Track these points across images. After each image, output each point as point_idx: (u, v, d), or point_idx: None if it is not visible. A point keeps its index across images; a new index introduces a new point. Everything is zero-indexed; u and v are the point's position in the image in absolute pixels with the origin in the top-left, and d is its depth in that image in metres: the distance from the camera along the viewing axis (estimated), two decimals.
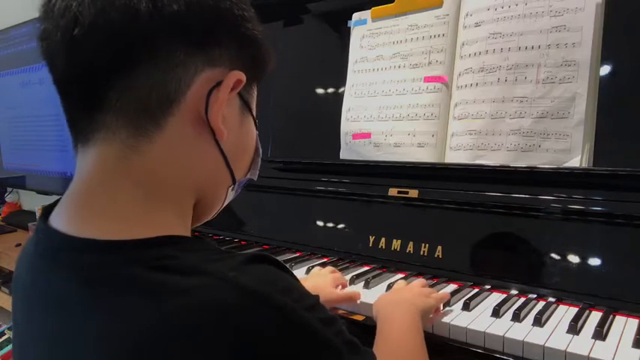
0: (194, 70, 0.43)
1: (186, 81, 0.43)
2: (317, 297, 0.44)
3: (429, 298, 0.76)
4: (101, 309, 0.39)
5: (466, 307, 0.79)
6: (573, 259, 0.84)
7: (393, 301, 0.75)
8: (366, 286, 0.91)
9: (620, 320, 0.75)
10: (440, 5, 1.09)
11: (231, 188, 0.52)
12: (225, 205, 0.54)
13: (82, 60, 0.42)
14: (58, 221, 0.44)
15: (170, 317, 0.36)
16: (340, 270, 0.96)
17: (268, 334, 0.37)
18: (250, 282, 0.38)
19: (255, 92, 0.53)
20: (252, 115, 0.52)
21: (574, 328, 0.71)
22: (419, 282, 0.83)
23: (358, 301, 0.85)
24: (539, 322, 0.73)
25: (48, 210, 0.47)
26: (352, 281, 0.93)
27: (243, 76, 0.46)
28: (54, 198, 0.47)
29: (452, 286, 0.90)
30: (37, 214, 1.94)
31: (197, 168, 0.47)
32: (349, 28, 1.23)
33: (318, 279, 0.88)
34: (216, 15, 0.44)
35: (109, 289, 0.39)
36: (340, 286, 0.88)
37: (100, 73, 0.42)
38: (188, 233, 0.47)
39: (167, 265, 0.39)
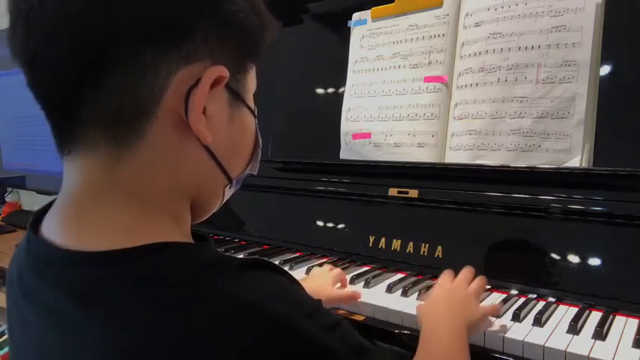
0: (167, 71, 0.39)
1: (159, 85, 0.39)
2: (318, 301, 0.43)
3: (477, 310, 0.72)
4: (94, 320, 0.38)
5: None
6: (573, 259, 0.84)
7: (441, 309, 0.69)
8: (366, 285, 0.91)
9: (620, 320, 0.75)
10: (440, 5, 1.09)
11: (227, 187, 0.49)
12: (224, 202, 0.52)
13: (44, 76, 0.40)
14: (49, 232, 0.43)
15: (164, 330, 0.36)
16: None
17: (265, 346, 0.36)
18: (243, 292, 0.38)
19: (251, 74, 0.48)
20: (247, 104, 0.48)
21: (574, 328, 0.71)
22: (478, 285, 0.75)
23: (359, 300, 0.85)
24: (539, 322, 0.73)
25: (38, 216, 0.46)
26: (352, 281, 0.93)
27: (224, 71, 0.42)
28: (54, 198, 0.46)
29: None
30: None
31: (186, 172, 0.44)
32: (349, 28, 1.23)
33: (317, 279, 0.88)
34: (184, 8, 0.40)
35: (100, 300, 0.38)
36: (340, 285, 0.88)
37: (65, 87, 0.39)
38: (186, 237, 0.46)
39: (159, 276, 0.38)
